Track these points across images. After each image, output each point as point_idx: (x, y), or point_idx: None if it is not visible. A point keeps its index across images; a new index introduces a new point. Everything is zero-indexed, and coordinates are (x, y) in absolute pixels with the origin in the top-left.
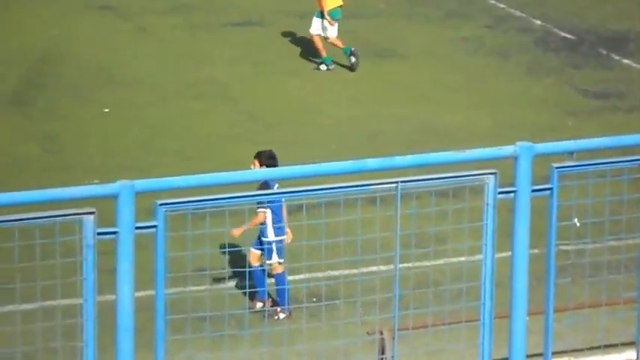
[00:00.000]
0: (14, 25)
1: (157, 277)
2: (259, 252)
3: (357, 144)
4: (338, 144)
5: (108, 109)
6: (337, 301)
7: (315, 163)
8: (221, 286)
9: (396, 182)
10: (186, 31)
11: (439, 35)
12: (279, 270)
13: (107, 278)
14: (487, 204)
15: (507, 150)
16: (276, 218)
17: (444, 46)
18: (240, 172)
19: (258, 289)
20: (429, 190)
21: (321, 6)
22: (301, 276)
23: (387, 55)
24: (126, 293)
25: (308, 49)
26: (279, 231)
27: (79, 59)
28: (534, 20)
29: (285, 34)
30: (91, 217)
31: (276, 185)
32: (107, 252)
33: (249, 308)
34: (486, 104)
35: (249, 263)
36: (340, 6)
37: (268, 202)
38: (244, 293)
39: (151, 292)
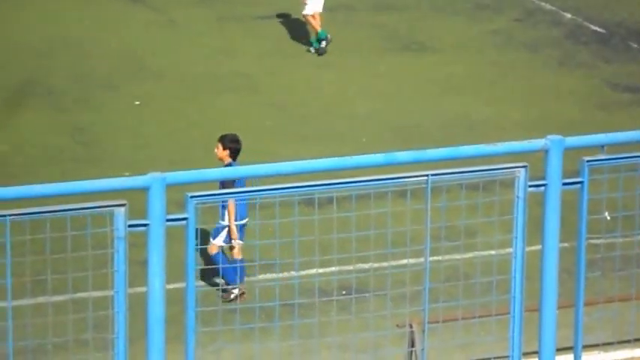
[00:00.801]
0: (46, 17)
1: (187, 269)
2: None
3: (388, 137)
4: (369, 137)
5: (139, 101)
6: (367, 294)
7: (345, 155)
8: (251, 278)
9: (427, 175)
10: (216, 24)
11: (469, 28)
12: (214, 251)
13: (138, 270)
14: (518, 197)
15: (538, 143)
16: (241, 206)
17: (474, 40)
18: (269, 164)
19: (226, 279)
20: (459, 183)
21: None
22: (332, 268)
23: (417, 49)
24: (157, 285)
25: (339, 41)
26: (241, 215)
27: (111, 51)
28: (564, 13)
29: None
30: (122, 209)
31: None
32: (138, 244)
33: (223, 299)
34: (517, 98)
35: (211, 252)
36: None
37: (233, 183)
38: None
39: (182, 285)
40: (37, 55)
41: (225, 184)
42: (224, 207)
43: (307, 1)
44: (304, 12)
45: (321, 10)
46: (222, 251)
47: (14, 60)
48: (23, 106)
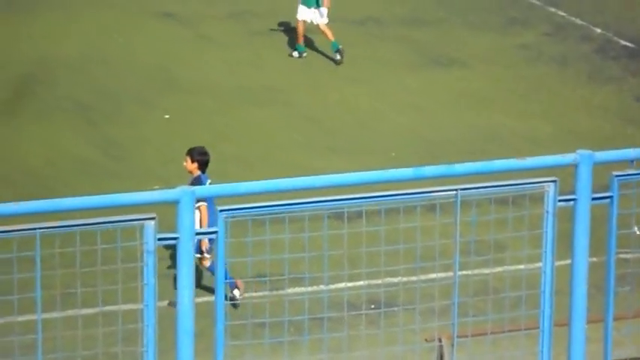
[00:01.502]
0: (77, 32)
1: (216, 282)
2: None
3: (417, 151)
4: (398, 151)
5: (169, 115)
6: (396, 308)
7: (375, 169)
8: (280, 292)
9: (456, 190)
10: (246, 38)
11: (499, 43)
12: (207, 263)
13: (167, 283)
14: (547, 212)
15: (568, 158)
16: (212, 209)
17: (504, 54)
18: (299, 178)
19: (227, 281)
20: (488, 197)
21: None
22: (360, 282)
23: (447, 63)
24: (186, 298)
25: (369, 55)
26: (212, 224)
27: (142, 65)
28: (594, 28)
29: (344, 42)
30: (152, 222)
31: (208, 181)
32: (166, 257)
33: (231, 299)
34: (546, 112)
35: (203, 264)
36: None
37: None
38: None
39: (211, 298)
40: (69, 70)
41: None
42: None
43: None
44: (320, 21)
45: (321, 22)
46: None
47: (47, 74)
48: (56, 119)
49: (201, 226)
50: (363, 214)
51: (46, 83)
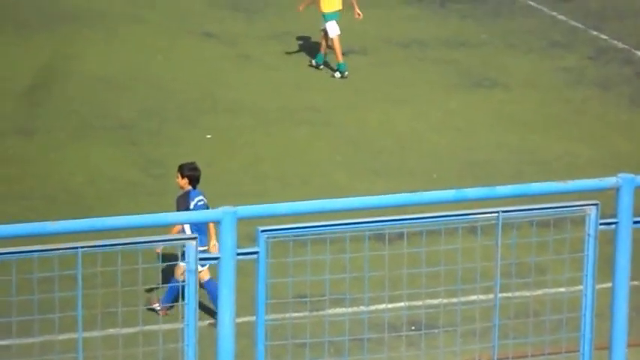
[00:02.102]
0: (120, 51)
1: (257, 303)
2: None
3: (459, 173)
4: (439, 172)
5: (210, 134)
6: (436, 330)
7: (416, 191)
8: (321, 313)
9: (498, 212)
10: (288, 58)
11: (541, 65)
12: (205, 277)
13: (208, 303)
14: (588, 235)
15: (609, 181)
16: (194, 228)
17: (546, 77)
18: (341, 199)
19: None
20: (530, 220)
21: (319, 8)
22: (401, 304)
23: (489, 85)
24: (227, 318)
25: (411, 77)
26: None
27: (183, 85)
28: (636, 52)
29: (387, 63)
30: (194, 242)
31: (198, 197)
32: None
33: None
34: (588, 135)
35: (175, 277)
36: (338, 10)
37: (188, 209)
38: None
39: (252, 318)
40: (111, 88)
41: (179, 206)
42: (200, 231)
43: (327, 26)
44: (330, 35)
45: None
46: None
47: (88, 92)
48: (97, 138)
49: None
50: (405, 236)
51: (88, 102)
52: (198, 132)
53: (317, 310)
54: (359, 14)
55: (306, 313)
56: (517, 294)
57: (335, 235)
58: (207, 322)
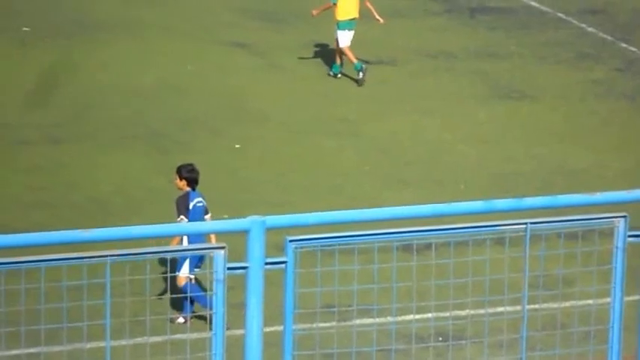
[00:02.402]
0: (151, 61)
1: (285, 312)
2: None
3: (487, 184)
4: (467, 183)
5: (239, 144)
6: (463, 341)
7: (444, 202)
8: (348, 323)
9: (526, 223)
10: (317, 69)
11: (570, 77)
12: (182, 282)
13: (236, 313)
14: (617, 247)
15: (637, 193)
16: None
17: (575, 88)
18: (369, 210)
19: (201, 304)
20: (558, 231)
21: (335, 15)
22: (428, 315)
23: (518, 97)
24: (254, 328)
25: (439, 88)
26: (196, 240)
27: (213, 94)
28: None
29: (416, 74)
30: (222, 251)
31: (197, 199)
32: (235, 286)
33: (171, 321)
34: (616, 147)
35: (180, 284)
36: (353, 18)
37: (186, 211)
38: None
39: (279, 328)
40: (141, 97)
41: (179, 207)
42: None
43: (338, 36)
44: (340, 45)
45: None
46: (190, 280)
47: (117, 101)
48: (126, 147)
49: (181, 242)
50: (433, 247)
51: (118, 111)
52: (227, 141)
53: (344, 320)
54: (379, 19)
55: (334, 323)
56: (545, 306)
57: (363, 245)
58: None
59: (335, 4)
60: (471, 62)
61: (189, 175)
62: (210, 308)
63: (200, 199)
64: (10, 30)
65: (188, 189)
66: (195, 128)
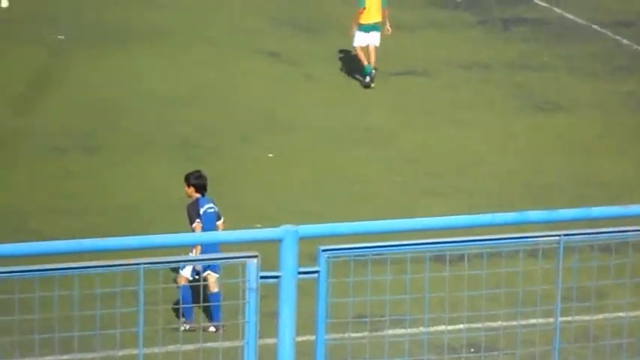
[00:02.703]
0: (181, 68)
1: (317, 322)
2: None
3: (520, 195)
4: (501, 195)
5: (271, 153)
6: (496, 352)
7: (477, 213)
8: (380, 333)
9: (559, 235)
10: (348, 77)
11: (604, 89)
12: (181, 282)
13: (268, 321)
14: None
15: None
16: (207, 230)
17: (609, 101)
18: (402, 220)
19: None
20: (591, 244)
21: (364, 20)
22: (460, 326)
23: (551, 108)
24: (287, 337)
25: (472, 99)
26: (208, 248)
27: (245, 103)
28: None
29: (449, 85)
30: (255, 260)
31: (208, 205)
32: (267, 295)
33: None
34: None
35: (179, 283)
36: (376, 22)
37: (198, 216)
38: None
39: (312, 338)
40: (172, 106)
41: (190, 214)
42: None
43: (355, 35)
44: (353, 44)
45: (377, 44)
46: (189, 284)
47: (148, 108)
48: (157, 155)
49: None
50: (465, 258)
51: (149, 119)
52: (258, 150)
53: (377, 330)
54: (389, 30)
55: (366, 333)
56: (577, 318)
57: (396, 255)
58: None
59: (364, 8)
60: (505, 73)
61: (197, 181)
62: (187, 320)
63: (211, 204)
64: (45, 38)
65: (197, 195)
66: (226, 136)
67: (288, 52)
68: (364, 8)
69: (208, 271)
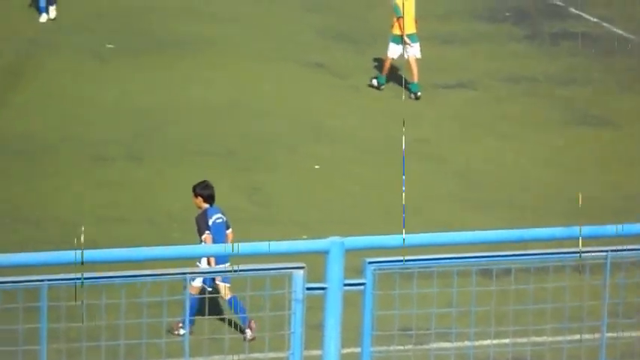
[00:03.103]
0: (227, 79)
1: (363, 334)
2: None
3: (566, 209)
4: (547, 209)
5: (317, 164)
6: None
7: (523, 227)
8: (425, 347)
9: (606, 251)
10: (396, 89)
11: None
12: (194, 292)
13: (313, 333)
14: None
15: None
16: (218, 241)
17: None
18: (449, 233)
19: (240, 316)
20: (637, 259)
21: (400, 30)
22: (506, 340)
23: (597, 122)
24: (332, 349)
25: (518, 112)
26: (221, 259)
27: (291, 113)
28: None
29: (496, 98)
30: (301, 271)
31: (217, 215)
32: (313, 307)
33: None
34: None
35: (191, 291)
36: (410, 34)
37: (207, 226)
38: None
39: (357, 350)
40: (218, 115)
41: (199, 225)
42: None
43: (413, 46)
44: (409, 53)
45: (418, 56)
46: (203, 293)
47: (194, 118)
48: (201, 164)
49: (201, 260)
50: (512, 272)
51: (194, 128)
52: (304, 161)
53: (422, 343)
54: (408, 43)
55: (411, 347)
56: (624, 334)
57: (443, 269)
58: (244, 337)
59: (402, 17)
60: (552, 88)
61: (204, 191)
62: (183, 326)
63: (219, 215)
64: (94, 47)
65: (206, 206)
66: (272, 146)
67: (336, 64)
68: (401, 17)
69: (218, 282)
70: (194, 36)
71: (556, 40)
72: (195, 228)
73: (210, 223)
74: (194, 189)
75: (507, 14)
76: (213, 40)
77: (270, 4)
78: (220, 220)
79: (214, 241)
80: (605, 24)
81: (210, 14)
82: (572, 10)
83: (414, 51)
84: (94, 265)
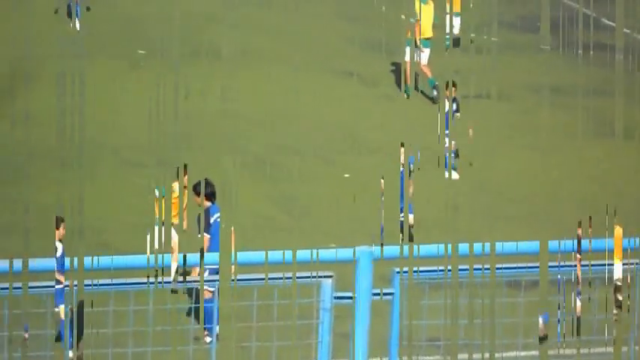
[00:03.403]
0: (261, 88)
1: (391, 344)
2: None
3: (594, 221)
4: (574, 221)
5: (348, 173)
6: None
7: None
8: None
9: (636, 264)
10: (429, 101)
11: None
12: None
13: (340, 342)
14: None
15: None
16: (214, 247)
17: None
18: (477, 244)
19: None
20: None
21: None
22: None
23: (628, 135)
24: (359, 358)
25: (548, 123)
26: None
27: (323, 123)
28: None
29: (526, 109)
30: (330, 280)
31: (217, 214)
32: (340, 315)
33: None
34: None
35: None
36: (426, 38)
37: (208, 227)
38: None
39: None
40: (251, 125)
41: (199, 223)
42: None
43: (424, 52)
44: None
45: (424, 62)
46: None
47: (225, 126)
48: (233, 172)
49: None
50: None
51: (224, 137)
52: (335, 170)
53: (449, 354)
54: (422, 50)
55: (439, 357)
56: None
57: (470, 279)
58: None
59: (418, 21)
60: (582, 99)
61: (206, 189)
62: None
63: (219, 213)
64: (126, 52)
65: (208, 204)
66: (304, 156)
67: (368, 73)
68: (417, 21)
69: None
70: (228, 45)
71: (586, 51)
72: (196, 226)
73: (211, 221)
74: (195, 188)
75: (540, 24)
76: (244, 49)
77: (303, 15)
78: (219, 219)
79: (213, 241)
80: (636, 35)
81: (240, 23)
82: (605, 20)
83: (423, 56)
84: (124, 271)
